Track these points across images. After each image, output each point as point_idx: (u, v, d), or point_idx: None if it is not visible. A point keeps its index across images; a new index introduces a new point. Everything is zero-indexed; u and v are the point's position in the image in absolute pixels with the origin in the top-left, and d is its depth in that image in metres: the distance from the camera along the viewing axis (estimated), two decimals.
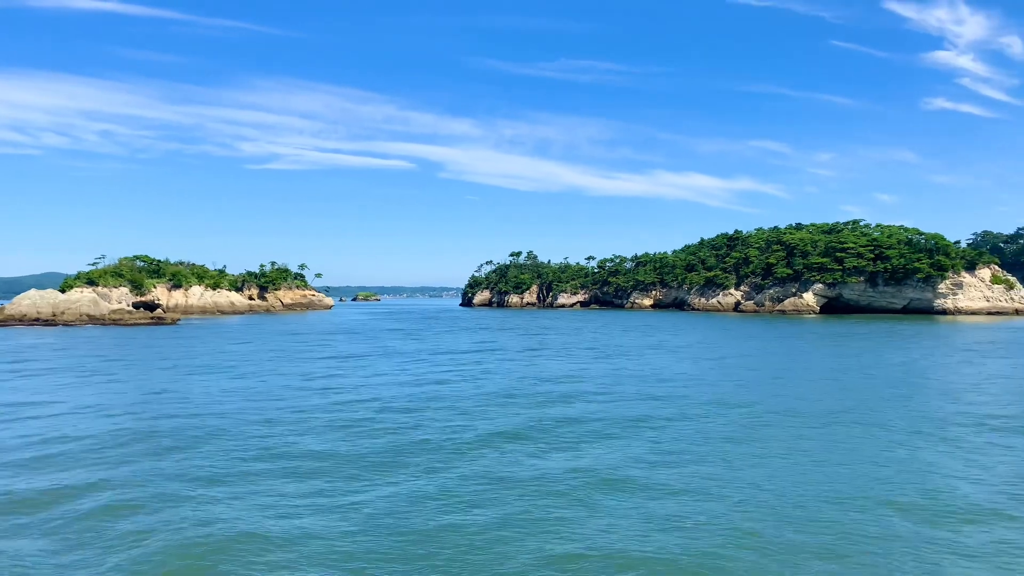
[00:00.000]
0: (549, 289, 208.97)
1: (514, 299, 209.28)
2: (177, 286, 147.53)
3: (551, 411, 25.75)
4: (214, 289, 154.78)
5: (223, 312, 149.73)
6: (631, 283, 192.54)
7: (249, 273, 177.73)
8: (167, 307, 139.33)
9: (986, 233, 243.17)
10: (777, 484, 15.84)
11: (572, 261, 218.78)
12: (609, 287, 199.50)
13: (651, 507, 14.27)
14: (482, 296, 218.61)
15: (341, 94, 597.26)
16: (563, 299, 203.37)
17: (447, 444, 20.06)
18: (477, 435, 21.30)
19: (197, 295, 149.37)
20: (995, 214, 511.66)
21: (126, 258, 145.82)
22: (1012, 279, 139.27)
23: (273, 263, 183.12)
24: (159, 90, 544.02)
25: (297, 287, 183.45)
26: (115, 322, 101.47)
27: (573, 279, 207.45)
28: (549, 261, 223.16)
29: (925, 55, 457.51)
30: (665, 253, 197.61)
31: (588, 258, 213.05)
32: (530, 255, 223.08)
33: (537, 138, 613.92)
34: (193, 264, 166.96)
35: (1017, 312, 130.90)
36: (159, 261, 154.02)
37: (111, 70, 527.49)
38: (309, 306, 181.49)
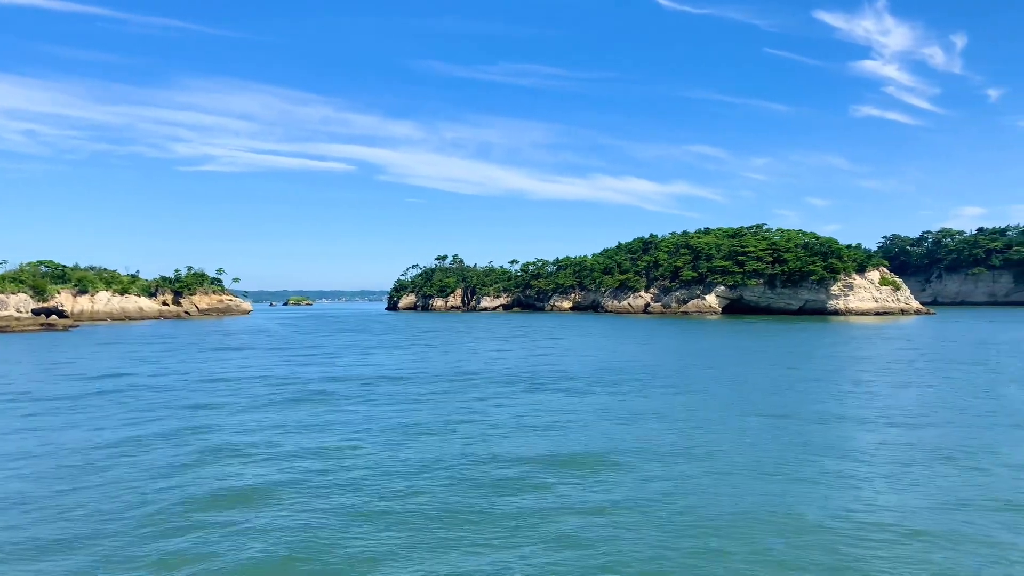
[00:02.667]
0: (473, 293, 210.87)
1: (438, 303, 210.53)
2: (83, 292, 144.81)
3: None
4: (122, 295, 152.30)
5: (131, 318, 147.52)
6: (552, 286, 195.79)
7: (163, 278, 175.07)
8: (72, 313, 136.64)
9: (894, 236, 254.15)
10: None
11: (498, 264, 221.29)
12: (531, 290, 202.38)
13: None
14: (407, 300, 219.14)
15: (279, 95, 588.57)
16: (486, 302, 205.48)
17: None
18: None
19: (104, 301, 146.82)
20: (919, 218, 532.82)
21: (30, 263, 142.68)
22: (899, 281, 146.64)
23: (190, 268, 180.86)
24: (88, 89, 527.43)
25: (214, 292, 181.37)
26: (2, 329, 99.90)
27: (497, 282, 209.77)
28: (475, 265, 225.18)
29: (853, 64, 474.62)
30: (585, 257, 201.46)
31: (512, 261, 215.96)
32: (456, 259, 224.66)
33: (479, 141, 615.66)
34: (103, 269, 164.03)
35: (903, 312, 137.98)
36: (65, 266, 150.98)
37: (36, 67, 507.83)
38: (226, 311, 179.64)
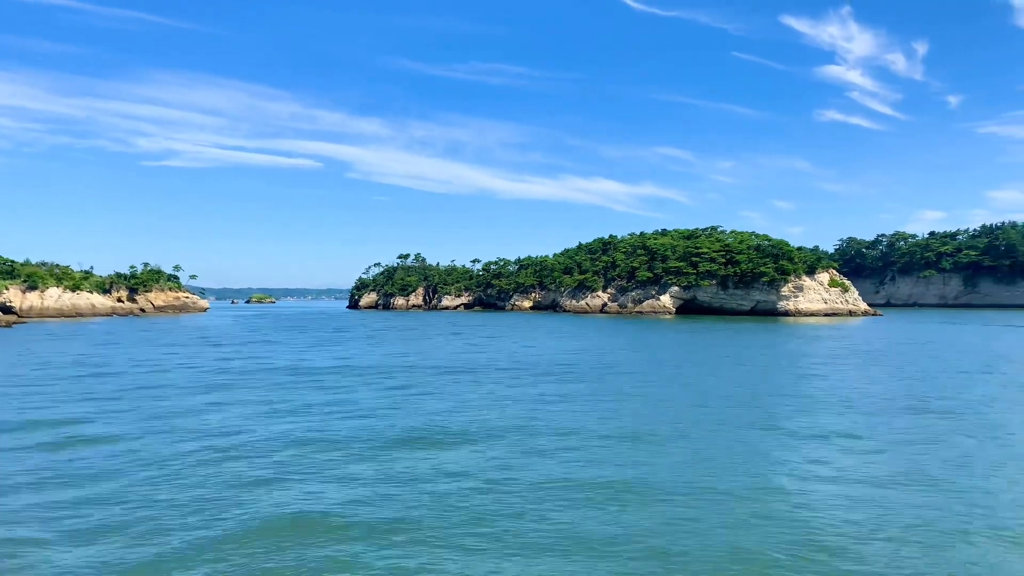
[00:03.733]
0: (435, 291, 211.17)
1: (400, 301, 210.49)
2: (33, 288, 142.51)
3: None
4: (74, 291, 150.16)
5: (83, 315, 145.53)
6: (513, 286, 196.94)
7: (118, 275, 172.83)
8: (21, 310, 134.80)
9: (851, 239, 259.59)
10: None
11: (460, 264, 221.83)
12: (493, 289, 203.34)
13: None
14: (368, 298, 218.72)
15: (246, 90, 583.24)
16: (447, 301, 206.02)
17: None
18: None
19: (54, 297, 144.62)
20: (881, 221, 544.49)
21: None
22: (847, 283, 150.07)
23: (146, 264, 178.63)
24: (48, 81, 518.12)
25: (170, 289, 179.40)
26: None
27: (458, 282, 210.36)
28: (438, 264, 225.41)
29: (818, 69, 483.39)
30: (546, 257, 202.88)
31: (474, 261, 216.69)
32: (418, 257, 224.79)
33: (448, 140, 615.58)
34: (55, 265, 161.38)
35: (851, 313, 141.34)
36: (14, 262, 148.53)
37: None
38: (183, 309, 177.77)
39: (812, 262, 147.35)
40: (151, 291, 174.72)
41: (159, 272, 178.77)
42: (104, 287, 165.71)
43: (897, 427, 23.45)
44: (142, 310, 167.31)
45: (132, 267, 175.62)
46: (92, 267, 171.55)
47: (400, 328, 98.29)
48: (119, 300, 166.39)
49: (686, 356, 51.14)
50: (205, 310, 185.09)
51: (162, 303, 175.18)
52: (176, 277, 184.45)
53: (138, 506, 14.94)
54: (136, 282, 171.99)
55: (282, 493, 15.80)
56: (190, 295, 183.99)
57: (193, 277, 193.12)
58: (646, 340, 69.07)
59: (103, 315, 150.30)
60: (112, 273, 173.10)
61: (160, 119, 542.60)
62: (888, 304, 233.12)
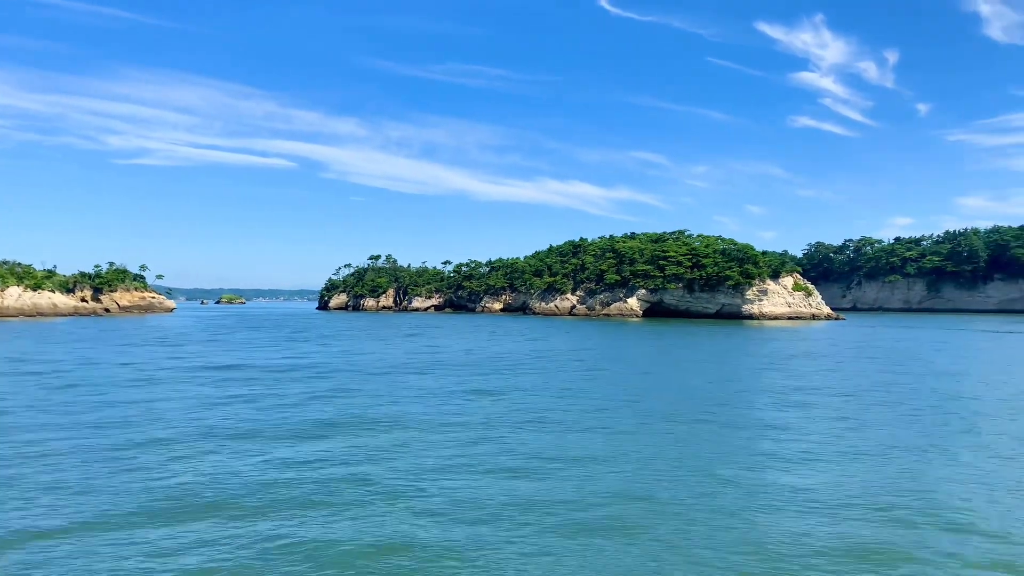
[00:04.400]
0: (405, 293, 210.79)
1: (370, 303, 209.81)
2: None
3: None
4: (35, 290, 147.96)
5: (44, 315, 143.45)
6: (483, 287, 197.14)
7: (83, 274, 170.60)
8: None
9: (819, 244, 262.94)
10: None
11: (432, 265, 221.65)
12: (463, 291, 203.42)
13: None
14: (338, 300, 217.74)
15: (220, 88, 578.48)
16: (418, 303, 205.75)
17: None
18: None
19: (15, 296, 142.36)
20: (853, 227, 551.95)
21: None
22: (811, 287, 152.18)
23: (111, 264, 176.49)
24: (16, 76, 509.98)
25: (136, 289, 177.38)
26: None
27: (429, 283, 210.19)
28: (409, 265, 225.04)
29: (792, 75, 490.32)
30: (517, 259, 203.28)
31: (445, 262, 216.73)
32: (389, 258, 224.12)
33: (425, 141, 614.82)
34: (17, 263, 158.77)
35: (814, 317, 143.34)
36: None
37: None
38: (148, 309, 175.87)
39: (776, 266, 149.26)
40: (116, 291, 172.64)
41: (124, 272, 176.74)
42: (68, 287, 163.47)
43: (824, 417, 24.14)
44: (106, 310, 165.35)
45: (97, 266, 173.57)
46: (55, 266, 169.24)
47: (358, 329, 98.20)
48: (83, 300, 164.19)
49: (607, 356, 51.80)
50: (171, 310, 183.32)
51: (127, 303, 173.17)
52: (142, 277, 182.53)
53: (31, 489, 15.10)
54: (100, 282, 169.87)
55: (170, 470, 16.05)
56: (156, 295, 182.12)
57: (160, 277, 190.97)
58: (587, 341, 69.67)
59: (65, 315, 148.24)
60: (76, 272, 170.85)
61: (132, 117, 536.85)
62: (855, 308, 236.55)
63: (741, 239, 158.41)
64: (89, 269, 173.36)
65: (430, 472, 17.40)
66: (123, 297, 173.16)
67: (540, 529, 13.45)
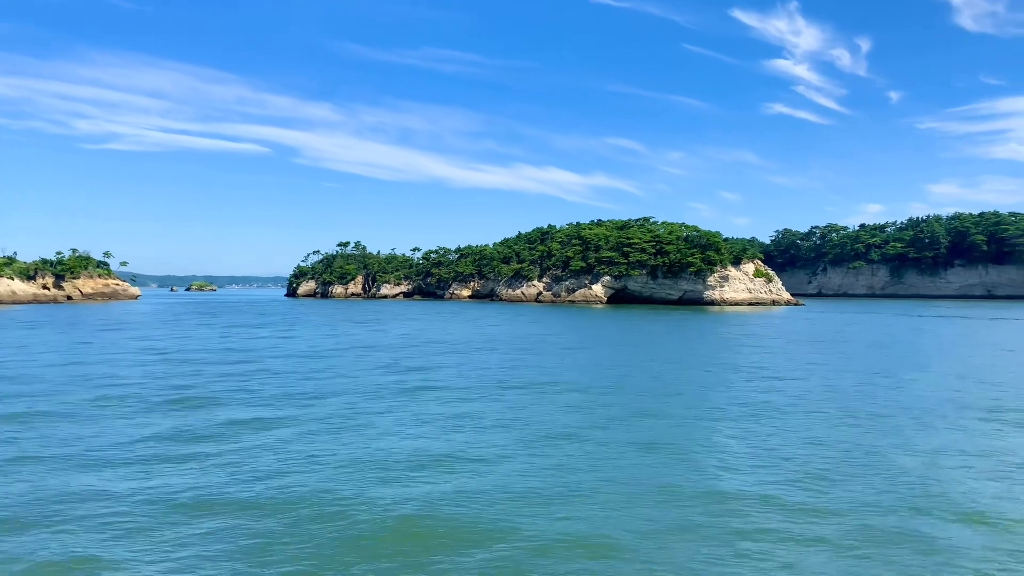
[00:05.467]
0: (374, 280, 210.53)
1: (338, 290, 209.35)
2: None
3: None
4: None
5: (3, 302, 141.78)
6: (452, 274, 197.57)
7: (44, 261, 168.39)
8: None
9: (786, 231, 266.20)
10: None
11: (401, 252, 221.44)
12: (432, 278, 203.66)
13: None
14: (307, 287, 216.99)
15: (191, 72, 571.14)
16: (386, 290, 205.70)
17: None
18: None
19: None
20: (825, 213, 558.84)
21: None
22: (771, 273, 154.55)
23: (74, 250, 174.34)
24: None
25: (99, 276, 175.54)
26: None
27: (398, 270, 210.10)
28: (379, 252, 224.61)
29: (766, 62, 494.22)
30: (486, 246, 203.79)
31: (414, 249, 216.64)
32: (358, 245, 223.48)
33: (400, 127, 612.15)
34: None
35: (774, 303, 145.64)
36: None
37: None
38: (112, 296, 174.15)
39: (738, 253, 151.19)
40: (79, 278, 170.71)
41: (87, 258, 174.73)
42: (28, 274, 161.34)
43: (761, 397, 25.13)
44: (69, 297, 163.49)
45: (59, 253, 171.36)
46: (16, 253, 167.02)
47: (318, 315, 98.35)
48: (44, 287, 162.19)
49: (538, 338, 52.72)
50: (136, 297, 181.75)
51: (90, 290, 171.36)
52: (106, 264, 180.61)
53: None
54: (62, 268, 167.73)
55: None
56: (120, 282, 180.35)
57: (124, 264, 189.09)
58: (535, 327, 70.58)
59: (24, 302, 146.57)
60: (38, 259, 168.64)
61: (101, 101, 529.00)
62: (820, 294, 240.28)
63: (716, 225, 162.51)
64: (55, 256, 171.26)
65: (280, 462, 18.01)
66: (86, 284, 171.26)
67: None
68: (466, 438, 19.75)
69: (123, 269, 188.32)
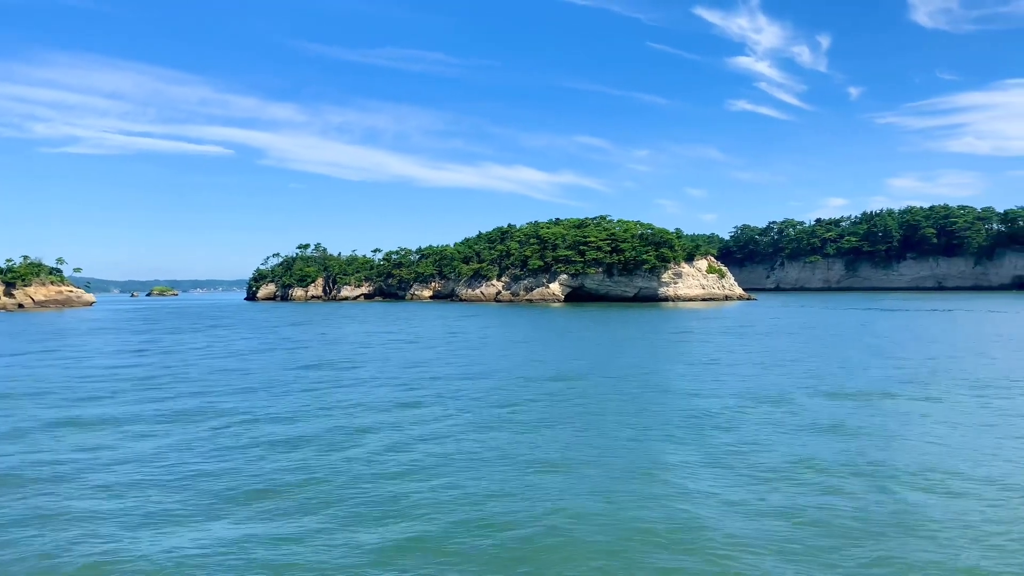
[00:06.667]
0: (335, 282, 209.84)
1: (298, 292, 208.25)
2: None
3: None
4: None
5: None
6: (413, 275, 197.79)
7: None
8: None
9: (745, 227, 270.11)
10: None
11: (361, 253, 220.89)
12: (393, 279, 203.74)
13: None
14: (267, 290, 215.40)
15: (152, 73, 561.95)
16: (347, 291, 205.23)
17: None
18: None
19: None
20: (789, 208, 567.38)
21: None
22: (724, 269, 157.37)
23: (25, 257, 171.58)
24: None
25: (52, 283, 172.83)
26: None
27: (359, 272, 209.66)
28: (339, 254, 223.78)
29: (729, 59, 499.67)
30: (447, 246, 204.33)
31: (375, 250, 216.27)
32: (318, 247, 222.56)
33: (366, 126, 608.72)
34: None
35: (727, 298, 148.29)
36: None
37: None
38: (66, 303, 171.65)
39: (691, 250, 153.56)
40: (31, 285, 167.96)
41: (39, 265, 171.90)
42: None
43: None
44: (20, 306, 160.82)
45: (9, 260, 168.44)
46: None
47: (268, 320, 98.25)
48: None
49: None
50: (91, 304, 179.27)
51: (43, 298, 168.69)
52: (59, 270, 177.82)
53: None
54: (13, 276, 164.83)
55: None
56: (74, 289, 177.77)
57: (78, 270, 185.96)
58: (469, 334, 71.50)
59: None
60: None
61: (59, 103, 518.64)
62: (778, 288, 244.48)
63: (682, 221, 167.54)
64: (5, 263, 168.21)
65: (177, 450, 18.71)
66: (38, 292, 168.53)
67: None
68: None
69: (78, 275, 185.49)
